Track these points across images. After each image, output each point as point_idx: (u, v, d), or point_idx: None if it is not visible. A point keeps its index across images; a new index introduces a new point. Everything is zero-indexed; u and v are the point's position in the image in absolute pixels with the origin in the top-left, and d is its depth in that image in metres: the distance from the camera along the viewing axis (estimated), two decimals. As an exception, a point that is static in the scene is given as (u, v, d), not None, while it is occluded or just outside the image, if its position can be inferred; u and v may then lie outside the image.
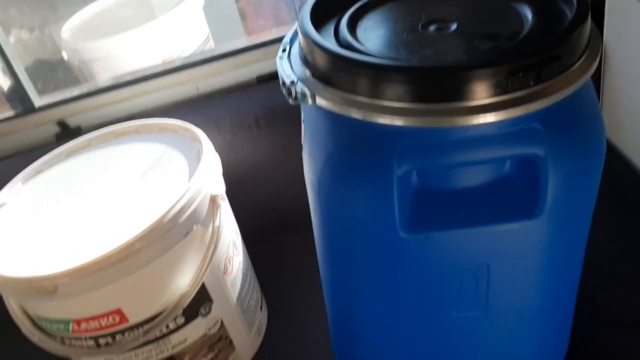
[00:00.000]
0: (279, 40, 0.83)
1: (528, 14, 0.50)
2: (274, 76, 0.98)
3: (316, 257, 0.66)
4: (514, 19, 0.50)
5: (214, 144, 0.79)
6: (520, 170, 0.49)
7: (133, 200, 0.71)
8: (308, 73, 0.49)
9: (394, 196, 0.47)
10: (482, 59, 0.44)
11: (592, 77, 1.01)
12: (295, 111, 0.60)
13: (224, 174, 0.80)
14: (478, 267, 0.51)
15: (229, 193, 0.83)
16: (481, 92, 0.43)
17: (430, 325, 0.57)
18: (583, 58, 0.46)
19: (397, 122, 0.44)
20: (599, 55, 0.47)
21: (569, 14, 0.48)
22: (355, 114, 0.46)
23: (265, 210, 0.99)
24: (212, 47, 1.36)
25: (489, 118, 0.43)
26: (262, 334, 0.88)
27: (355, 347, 0.66)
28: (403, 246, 0.50)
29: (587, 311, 0.77)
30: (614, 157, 1.01)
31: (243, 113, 0.95)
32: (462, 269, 0.51)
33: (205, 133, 0.78)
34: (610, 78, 0.97)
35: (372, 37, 0.51)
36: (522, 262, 0.52)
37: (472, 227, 0.49)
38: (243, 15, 1.37)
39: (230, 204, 0.84)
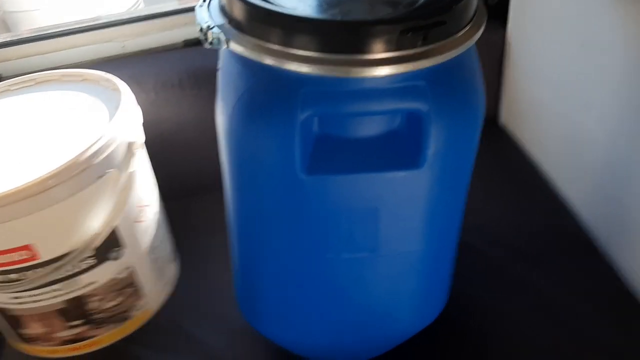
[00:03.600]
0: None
1: (426, -14, 0.56)
2: (200, 41, 1.01)
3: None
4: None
5: (136, 101, 0.81)
6: (409, 124, 0.55)
7: (51, 142, 0.73)
8: (224, 21, 0.53)
9: (296, 139, 0.52)
10: (376, 19, 0.50)
11: (494, 68, 1.11)
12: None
13: (145, 132, 0.83)
14: (368, 210, 0.57)
15: (150, 150, 0.86)
16: (376, 47, 0.49)
17: (324, 266, 0.62)
18: (467, 27, 0.53)
19: (302, 69, 0.49)
20: (482, 27, 0.54)
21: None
22: (265, 60, 0.50)
23: (186, 171, 1.02)
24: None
25: (381, 71, 0.49)
26: (173, 286, 0.91)
27: (256, 291, 0.70)
28: (302, 187, 0.55)
29: (470, 269, 0.86)
30: (510, 143, 1.11)
31: (167, 73, 0.97)
32: (353, 212, 0.57)
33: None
34: (511, 70, 1.06)
35: (286, -6, 0.55)
36: (406, 208, 0.58)
37: (362, 172, 0.55)
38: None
39: (151, 161, 0.87)
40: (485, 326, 0.80)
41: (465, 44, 0.52)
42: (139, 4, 1.32)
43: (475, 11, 0.54)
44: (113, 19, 1.00)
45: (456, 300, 0.80)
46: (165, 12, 1.01)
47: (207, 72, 0.99)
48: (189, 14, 1.01)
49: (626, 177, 0.81)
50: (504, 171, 1.04)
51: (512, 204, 0.98)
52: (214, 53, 0.60)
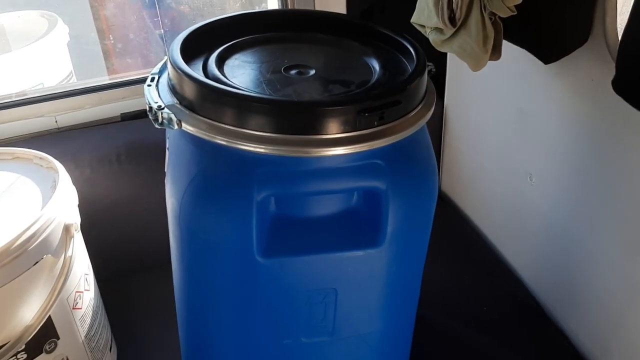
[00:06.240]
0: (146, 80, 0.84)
1: (376, 66, 0.57)
2: (138, 114, 0.99)
3: (171, 299, 0.66)
4: (364, 70, 0.57)
5: (70, 178, 0.77)
6: (366, 203, 0.54)
7: (-22, 226, 0.67)
8: (175, 101, 0.52)
9: (253, 221, 0.50)
10: (334, 99, 0.49)
11: (434, 138, 1.13)
12: (158, 150, 0.60)
13: (79, 209, 0.78)
14: (327, 292, 0.55)
15: (83, 229, 0.81)
16: (332, 128, 0.48)
17: (282, 351, 0.59)
18: (420, 106, 0.53)
19: (258, 149, 0.48)
20: (433, 106, 0.55)
21: (410, 68, 0.56)
22: (220, 140, 0.49)
23: (122, 250, 0.97)
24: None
25: (339, 151, 0.48)
26: (110, 376, 0.85)
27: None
28: (259, 270, 0.53)
29: (426, 341, 0.84)
30: (451, 210, 1.13)
31: (104, 148, 0.93)
32: (312, 294, 0.55)
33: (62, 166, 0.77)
34: (449, 139, 1.09)
35: (239, 74, 0.55)
36: (365, 288, 0.56)
37: (321, 253, 0.53)
38: (107, 54, 1.36)
39: (85, 241, 0.82)
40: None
41: (419, 122, 0.52)
42: (71, 77, 1.29)
43: (426, 90, 0.55)
44: (44, 93, 0.96)
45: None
46: (101, 85, 0.98)
47: (147, 146, 0.97)
48: (127, 88, 0.98)
49: (568, 244, 0.83)
50: (446, 239, 1.05)
51: (458, 273, 0.99)
52: (154, 126, 0.58)
